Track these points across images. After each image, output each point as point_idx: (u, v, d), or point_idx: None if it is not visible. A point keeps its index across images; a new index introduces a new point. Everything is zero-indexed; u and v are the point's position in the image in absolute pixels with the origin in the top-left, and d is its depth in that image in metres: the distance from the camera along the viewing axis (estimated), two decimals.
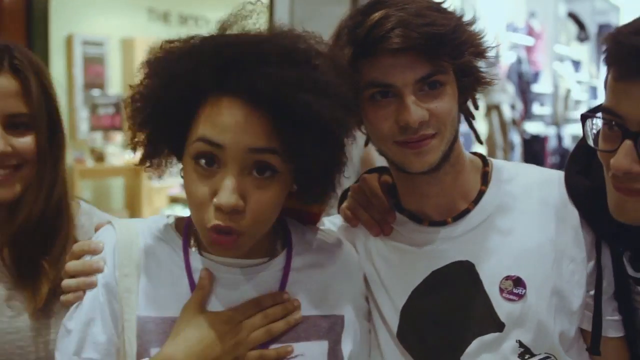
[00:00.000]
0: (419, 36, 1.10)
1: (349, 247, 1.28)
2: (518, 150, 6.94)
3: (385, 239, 1.29)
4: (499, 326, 1.22)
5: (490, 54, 1.21)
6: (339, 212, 1.36)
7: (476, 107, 1.28)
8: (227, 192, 0.99)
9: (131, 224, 1.17)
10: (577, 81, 8.73)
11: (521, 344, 1.23)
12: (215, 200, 1.00)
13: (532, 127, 7.45)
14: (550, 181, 1.29)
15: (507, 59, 6.99)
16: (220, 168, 1.01)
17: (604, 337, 1.26)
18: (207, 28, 1.08)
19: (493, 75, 1.23)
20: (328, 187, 1.11)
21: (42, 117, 1.29)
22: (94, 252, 1.14)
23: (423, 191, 1.26)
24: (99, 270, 1.11)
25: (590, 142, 1.14)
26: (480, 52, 1.20)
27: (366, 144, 1.29)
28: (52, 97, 1.32)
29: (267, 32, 1.06)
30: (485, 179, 1.29)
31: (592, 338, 1.24)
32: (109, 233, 1.15)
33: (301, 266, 1.18)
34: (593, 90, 9.20)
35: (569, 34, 8.68)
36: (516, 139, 6.85)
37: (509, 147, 6.67)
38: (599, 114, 1.12)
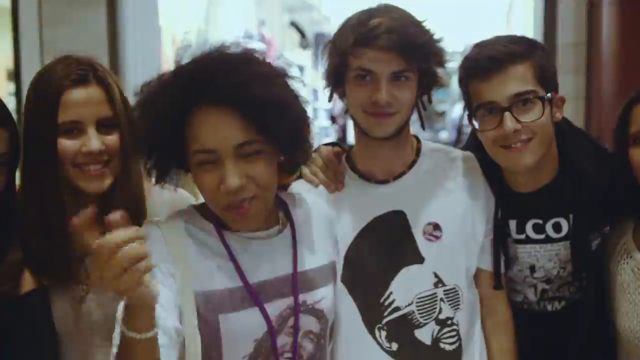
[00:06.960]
0: (400, 42, 1.47)
1: (316, 199, 1.57)
2: None
3: (340, 194, 1.61)
4: (420, 259, 1.58)
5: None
6: (301, 177, 1.62)
7: (430, 102, 1.63)
8: (230, 179, 1.25)
9: (171, 223, 1.35)
10: (303, 84, 9.41)
11: (436, 275, 1.60)
12: (222, 188, 1.26)
13: None
14: (466, 157, 1.69)
15: None
16: (218, 163, 1.27)
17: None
18: None
19: (446, 80, 1.62)
20: (305, 147, 1.39)
21: (123, 117, 1.50)
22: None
23: (376, 154, 1.62)
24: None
25: (478, 129, 1.57)
26: (441, 62, 1.58)
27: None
28: (127, 100, 1.51)
29: (215, 52, 1.29)
30: (418, 152, 1.67)
31: (495, 275, 1.66)
32: (156, 234, 1.31)
33: (301, 227, 1.45)
34: (315, 93, 10.04)
35: (293, 42, 9.42)
36: None
37: None
38: (480, 110, 1.55)
